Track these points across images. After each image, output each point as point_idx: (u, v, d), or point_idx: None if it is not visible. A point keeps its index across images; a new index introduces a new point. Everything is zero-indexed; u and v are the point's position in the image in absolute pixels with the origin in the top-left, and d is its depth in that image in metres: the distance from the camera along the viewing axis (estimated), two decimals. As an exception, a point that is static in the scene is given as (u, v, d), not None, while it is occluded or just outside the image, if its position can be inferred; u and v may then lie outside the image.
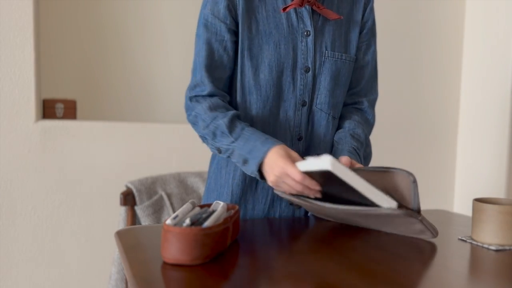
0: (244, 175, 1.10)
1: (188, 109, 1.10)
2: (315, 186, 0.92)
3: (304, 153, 1.12)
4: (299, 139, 1.12)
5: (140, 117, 2.20)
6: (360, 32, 1.17)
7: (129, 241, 0.87)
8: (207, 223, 0.75)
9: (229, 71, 1.09)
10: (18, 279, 1.90)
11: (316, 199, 0.97)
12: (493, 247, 0.88)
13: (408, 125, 2.57)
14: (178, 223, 0.77)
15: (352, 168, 0.98)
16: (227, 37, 1.06)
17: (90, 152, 1.95)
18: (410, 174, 0.87)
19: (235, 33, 1.07)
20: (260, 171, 0.99)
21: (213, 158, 1.18)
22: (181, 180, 1.81)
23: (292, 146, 1.11)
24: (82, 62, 2.12)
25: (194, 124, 1.08)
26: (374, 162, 2.22)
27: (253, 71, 1.07)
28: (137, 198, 1.68)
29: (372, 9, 1.18)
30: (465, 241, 0.93)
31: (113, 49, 2.15)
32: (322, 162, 0.83)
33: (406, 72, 2.54)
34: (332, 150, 1.14)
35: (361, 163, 1.11)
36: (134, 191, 1.68)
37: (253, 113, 1.09)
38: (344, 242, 0.90)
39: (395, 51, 2.49)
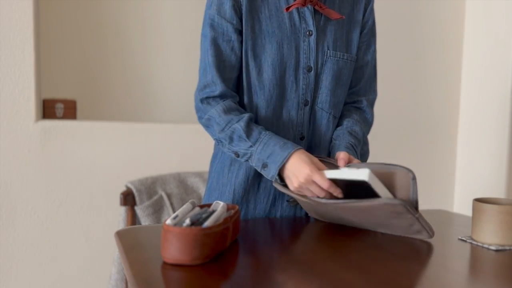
0: (247, 175, 1.10)
1: (199, 110, 1.09)
2: (338, 193, 0.95)
3: None
4: (302, 138, 1.12)
5: (140, 117, 2.20)
6: (361, 32, 1.17)
7: (129, 241, 0.87)
8: (207, 223, 0.75)
9: (237, 72, 1.09)
10: (18, 279, 1.90)
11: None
12: (493, 247, 0.88)
13: (408, 125, 2.57)
14: (178, 223, 0.77)
15: (350, 165, 0.99)
16: (234, 37, 1.06)
17: (90, 152, 1.95)
18: (410, 171, 0.88)
19: (241, 33, 1.07)
20: (279, 174, 1.00)
21: (214, 157, 1.18)
22: (181, 180, 1.81)
23: None
24: (82, 62, 2.12)
25: (207, 127, 1.08)
26: (374, 162, 2.22)
27: (256, 71, 1.08)
28: (137, 198, 1.68)
29: (372, 9, 1.19)
30: (465, 241, 0.93)
31: (113, 49, 2.15)
32: (360, 174, 0.87)
33: (406, 72, 2.54)
34: (330, 146, 1.15)
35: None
36: (134, 191, 1.68)
37: (257, 113, 1.09)
38: (345, 242, 0.90)
39: (395, 51, 2.49)
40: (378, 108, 2.06)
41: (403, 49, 2.52)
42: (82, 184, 1.94)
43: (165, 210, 1.72)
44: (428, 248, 0.88)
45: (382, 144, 2.46)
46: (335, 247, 0.86)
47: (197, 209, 0.87)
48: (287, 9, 1.05)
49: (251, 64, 1.07)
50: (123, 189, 1.87)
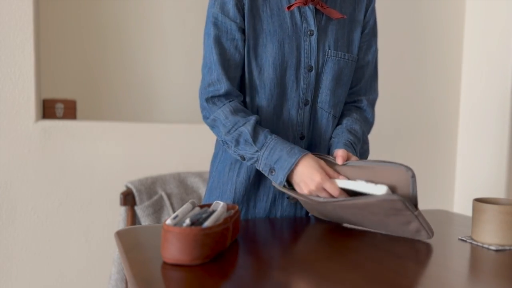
0: (249, 174, 1.10)
1: (204, 109, 1.09)
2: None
3: None
4: (302, 138, 1.12)
5: (140, 117, 2.20)
6: (362, 32, 1.17)
7: (129, 241, 0.87)
8: (207, 223, 0.75)
9: (241, 70, 1.09)
10: (18, 279, 1.90)
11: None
12: (493, 247, 0.88)
13: (408, 125, 2.57)
14: (178, 223, 0.77)
15: (348, 162, 0.99)
16: (237, 35, 1.06)
17: (90, 152, 1.95)
18: (409, 169, 0.88)
19: (244, 31, 1.07)
20: (287, 179, 1.00)
21: (215, 156, 1.18)
22: (181, 180, 1.81)
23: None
24: (82, 62, 2.12)
25: (212, 127, 1.08)
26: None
27: (258, 70, 1.08)
28: (137, 198, 1.68)
29: (373, 9, 1.19)
30: (465, 241, 0.93)
31: (113, 49, 2.15)
32: (378, 190, 0.88)
33: (406, 72, 2.54)
34: (329, 144, 1.15)
35: None
36: (134, 191, 1.68)
37: (258, 112, 1.09)
38: (345, 242, 0.90)
39: (395, 51, 2.49)
40: (378, 108, 2.06)
41: (403, 49, 2.52)
42: (82, 184, 1.94)
43: (165, 210, 1.72)
44: (428, 248, 0.88)
45: (382, 144, 2.46)
46: (335, 247, 0.86)
47: (197, 209, 0.87)
48: (289, 7, 1.04)
49: (253, 63, 1.07)
50: (123, 189, 1.87)
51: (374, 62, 1.22)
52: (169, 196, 1.75)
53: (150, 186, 1.72)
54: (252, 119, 1.03)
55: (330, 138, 1.15)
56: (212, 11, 1.07)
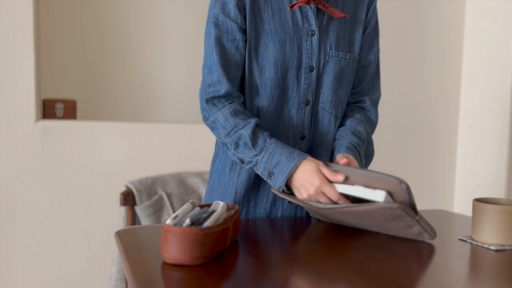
0: (249, 174, 1.10)
1: (204, 110, 1.08)
2: (347, 204, 0.94)
3: (307, 152, 1.12)
4: (302, 138, 1.12)
5: (140, 117, 2.20)
6: (364, 32, 1.17)
7: (129, 241, 0.87)
8: (207, 223, 0.75)
9: (242, 71, 1.09)
10: (18, 279, 1.90)
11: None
12: (493, 247, 0.88)
13: (408, 125, 2.57)
14: (178, 223, 0.77)
15: (348, 167, 0.98)
16: (238, 36, 1.06)
17: (90, 152, 1.95)
18: (402, 181, 0.85)
19: (245, 32, 1.07)
20: (286, 184, 1.00)
21: (215, 157, 1.18)
22: (181, 180, 1.81)
23: (294, 145, 1.11)
24: (82, 62, 2.12)
25: (212, 129, 1.07)
26: (374, 162, 2.22)
27: (259, 70, 1.07)
28: (137, 198, 1.68)
29: (375, 9, 1.18)
30: (465, 241, 0.93)
31: (113, 49, 2.15)
32: (376, 196, 0.87)
33: (406, 72, 2.54)
34: (332, 146, 1.14)
35: (361, 160, 1.11)
36: (134, 191, 1.68)
37: (258, 112, 1.09)
38: (345, 243, 0.90)
39: (395, 51, 2.49)
40: (379, 108, 2.06)
41: (403, 49, 2.52)
42: (82, 184, 1.94)
43: (165, 210, 1.72)
44: (428, 248, 0.88)
45: (382, 144, 2.46)
46: (335, 247, 0.86)
47: (197, 209, 0.87)
48: (291, 7, 1.04)
49: (254, 63, 1.07)
50: (123, 189, 1.87)
51: (376, 61, 1.21)
52: (169, 196, 1.75)
53: (150, 186, 1.72)
54: (252, 122, 1.03)
55: (334, 140, 1.15)
56: (213, 12, 1.06)
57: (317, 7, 1.08)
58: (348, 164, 1.00)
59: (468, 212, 2.52)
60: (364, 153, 1.16)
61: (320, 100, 1.11)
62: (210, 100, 1.06)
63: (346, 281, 0.68)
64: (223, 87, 1.05)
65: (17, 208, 1.87)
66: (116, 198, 1.97)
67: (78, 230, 1.95)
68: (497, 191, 2.41)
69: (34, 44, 1.85)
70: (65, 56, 2.09)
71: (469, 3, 2.58)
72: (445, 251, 0.86)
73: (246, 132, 1.01)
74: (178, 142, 2.05)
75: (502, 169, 2.39)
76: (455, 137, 2.66)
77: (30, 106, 1.86)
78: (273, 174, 1.00)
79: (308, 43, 1.08)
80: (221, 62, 1.05)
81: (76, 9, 2.09)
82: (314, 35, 1.08)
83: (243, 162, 1.04)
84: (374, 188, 0.89)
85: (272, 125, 1.09)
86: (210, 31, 1.07)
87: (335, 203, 0.95)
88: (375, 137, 1.54)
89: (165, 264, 0.73)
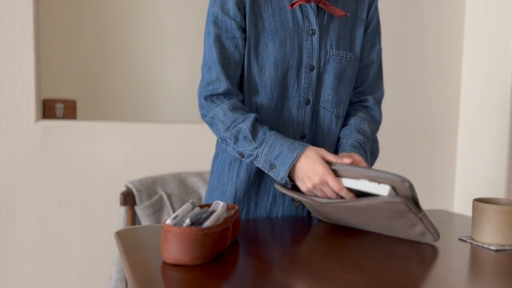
0: (249, 174, 1.10)
1: (202, 108, 1.08)
2: (351, 197, 0.94)
3: None
4: (302, 137, 1.12)
5: (140, 117, 2.20)
6: (365, 31, 1.17)
7: (129, 241, 0.87)
8: (207, 223, 0.75)
9: (241, 69, 1.08)
10: (18, 279, 1.90)
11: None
12: (493, 247, 0.88)
13: (408, 125, 2.57)
14: (178, 223, 0.77)
15: (354, 166, 0.97)
16: (238, 34, 1.06)
17: (90, 152, 1.95)
18: (405, 179, 0.85)
19: (244, 30, 1.07)
20: (288, 175, 0.99)
21: (216, 156, 1.18)
22: (181, 180, 1.81)
23: None
24: (82, 62, 2.12)
25: (211, 125, 1.07)
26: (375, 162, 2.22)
27: (258, 69, 1.07)
28: (137, 198, 1.68)
29: (376, 8, 1.18)
30: (465, 241, 0.93)
31: (113, 49, 2.15)
32: (380, 190, 0.87)
33: (406, 72, 2.54)
34: (338, 145, 1.14)
35: (367, 158, 1.11)
36: (134, 191, 1.68)
37: (258, 111, 1.09)
38: (345, 242, 0.90)
39: (395, 51, 2.49)
40: (378, 108, 2.06)
41: (403, 49, 2.52)
42: (82, 184, 1.94)
43: (165, 210, 1.72)
44: (428, 248, 0.88)
45: (382, 144, 2.45)
46: (335, 247, 0.86)
47: (197, 209, 0.87)
48: (292, 5, 1.04)
49: (253, 62, 1.07)
50: (123, 189, 1.87)
51: (379, 60, 1.21)
52: (169, 196, 1.75)
53: (150, 186, 1.72)
54: (251, 116, 1.03)
55: (338, 139, 1.15)
56: (212, 10, 1.06)
57: (317, 6, 1.08)
58: (351, 163, 1.00)
59: (468, 212, 2.52)
60: (369, 150, 1.15)
61: (321, 99, 1.11)
62: (208, 97, 1.06)
63: (346, 281, 0.68)
64: (222, 85, 1.05)
65: (17, 208, 1.87)
66: (116, 198, 1.97)
67: (78, 230, 1.95)
68: (497, 191, 2.41)
69: (34, 44, 1.85)
70: (65, 56, 2.09)
71: (469, 3, 2.58)
72: (445, 251, 0.86)
73: (245, 126, 1.01)
74: (178, 142, 2.05)
75: (502, 169, 2.39)
76: (455, 137, 2.66)
77: (30, 106, 1.86)
78: (275, 166, 0.99)
79: (308, 42, 1.08)
80: (220, 60, 1.05)
81: (76, 9, 2.09)
82: (314, 34, 1.08)
83: (243, 156, 1.04)
84: (379, 182, 0.89)
85: (272, 124, 1.09)
86: (209, 30, 1.07)
87: (339, 197, 0.95)
88: (375, 137, 1.53)
89: (165, 264, 0.73)
